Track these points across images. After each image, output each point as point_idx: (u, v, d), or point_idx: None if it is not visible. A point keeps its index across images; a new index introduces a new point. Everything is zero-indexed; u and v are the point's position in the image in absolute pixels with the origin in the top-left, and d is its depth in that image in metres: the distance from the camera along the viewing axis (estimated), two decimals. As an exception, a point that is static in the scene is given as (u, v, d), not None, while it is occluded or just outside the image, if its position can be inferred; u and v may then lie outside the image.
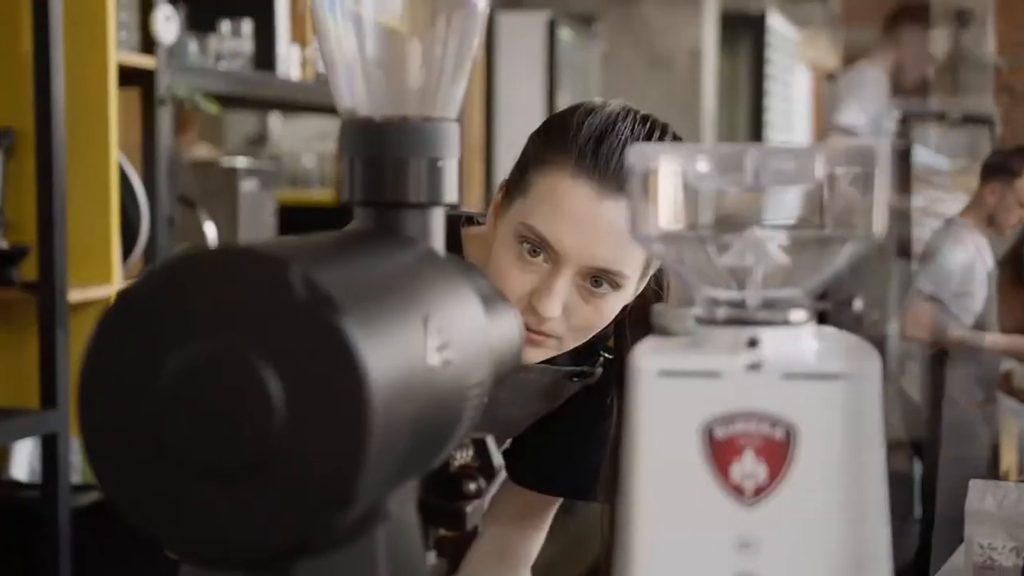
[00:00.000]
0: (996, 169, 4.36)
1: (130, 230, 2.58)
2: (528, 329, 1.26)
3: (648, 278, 1.35)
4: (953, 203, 4.34)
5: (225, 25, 3.02)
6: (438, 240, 0.82)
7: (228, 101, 3.17)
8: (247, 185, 3.04)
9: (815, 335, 0.72)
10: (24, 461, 2.59)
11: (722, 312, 0.71)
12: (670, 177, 0.71)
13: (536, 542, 1.55)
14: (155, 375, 0.62)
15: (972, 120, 9.10)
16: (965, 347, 4.26)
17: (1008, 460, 4.40)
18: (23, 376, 2.42)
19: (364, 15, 0.82)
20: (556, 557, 1.71)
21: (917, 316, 4.26)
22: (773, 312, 0.71)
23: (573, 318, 1.28)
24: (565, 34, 4.91)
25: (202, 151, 3.87)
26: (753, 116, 7.47)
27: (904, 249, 4.48)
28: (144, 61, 2.66)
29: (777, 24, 7.53)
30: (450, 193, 0.82)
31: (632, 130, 1.28)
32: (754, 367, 0.68)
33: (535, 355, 1.30)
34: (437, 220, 0.82)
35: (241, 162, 3.17)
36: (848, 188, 0.70)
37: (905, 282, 4.35)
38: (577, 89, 5.08)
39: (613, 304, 1.29)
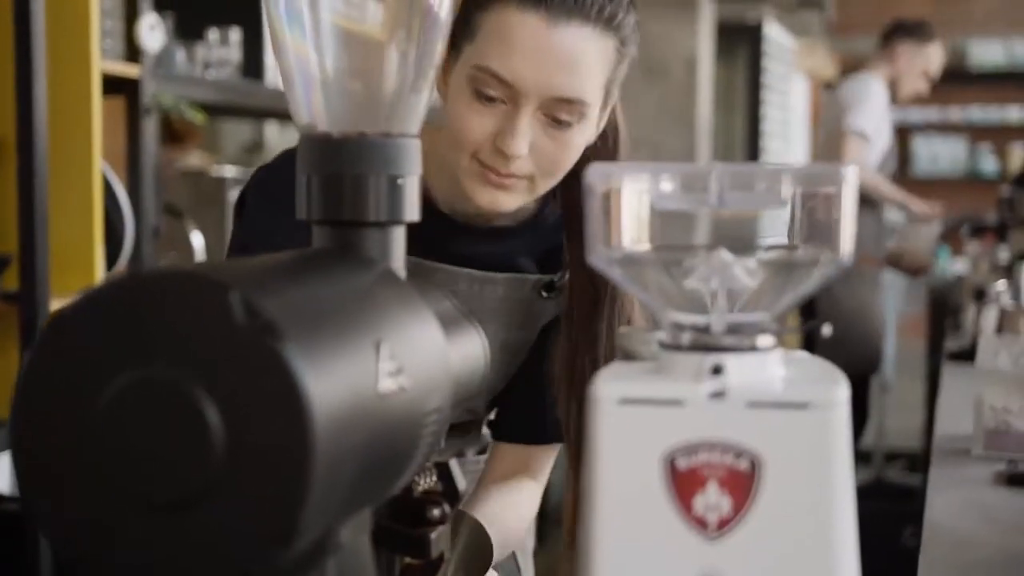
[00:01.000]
0: (901, 34, 4.52)
1: (114, 240, 2.56)
2: (496, 173, 1.25)
3: (608, 111, 1.32)
4: None
5: (213, 33, 3.00)
6: (398, 259, 0.80)
7: (216, 109, 3.15)
8: (235, 194, 3.01)
9: (783, 360, 0.70)
10: (5, 473, 2.56)
11: (686, 337, 0.69)
12: (632, 197, 0.69)
13: (535, 500, 1.50)
14: (92, 401, 0.59)
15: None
16: (869, 195, 4.48)
17: None
18: (4, 387, 2.39)
19: (322, 28, 0.80)
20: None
21: (853, 153, 4.39)
22: (739, 337, 0.68)
23: (540, 156, 1.25)
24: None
25: (196, 159, 3.85)
26: (750, 125, 7.46)
27: None
28: (129, 70, 2.63)
29: (774, 33, 7.52)
30: (411, 211, 0.80)
31: None
32: (718, 395, 0.66)
33: (509, 200, 1.27)
34: (398, 239, 0.80)
35: (231, 171, 3.14)
36: (815, 211, 0.68)
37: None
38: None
39: (578, 137, 1.26)
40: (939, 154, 10.14)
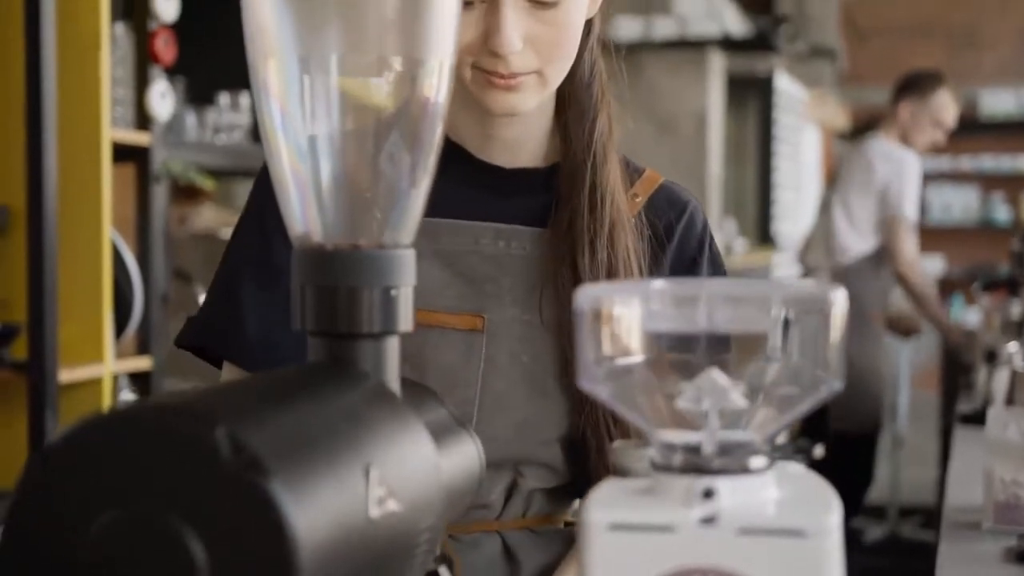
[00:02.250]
0: (907, 89, 4.55)
1: (124, 308, 2.56)
2: (500, 76, 1.17)
3: None
4: None
5: (224, 98, 3.02)
6: (392, 370, 0.80)
7: (226, 172, 3.16)
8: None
9: (775, 480, 0.69)
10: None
11: (677, 458, 0.69)
12: (621, 318, 0.69)
13: None
14: (77, 540, 0.59)
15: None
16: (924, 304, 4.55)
17: None
18: (12, 458, 2.39)
19: (317, 137, 0.80)
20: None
21: (910, 247, 4.41)
22: (731, 459, 0.68)
23: (538, 44, 1.17)
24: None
25: (209, 214, 3.86)
26: (761, 177, 7.46)
27: None
28: (139, 138, 2.65)
29: (784, 84, 7.53)
30: (405, 321, 0.80)
31: None
32: (709, 521, 0.66)
33: (523, 100, 1.20)
34: (392, 350, 0.80)
35: (240, 234, 3.14)
36: (806, 332, 0.67)
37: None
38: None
39: (573, 13, 1.18)
40: (951, 203, 10.13)
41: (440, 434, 0.80)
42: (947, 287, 10.04)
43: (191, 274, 2.95)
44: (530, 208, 1.28)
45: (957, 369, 4.79)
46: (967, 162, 10.05)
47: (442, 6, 0.79)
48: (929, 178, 10.11)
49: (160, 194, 2.69)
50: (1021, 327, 3.75)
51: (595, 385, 0.70)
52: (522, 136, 1.28)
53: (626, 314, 0.69)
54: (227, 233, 3.07)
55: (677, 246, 1.30)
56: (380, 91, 0.79)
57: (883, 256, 4.54)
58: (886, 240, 4.48)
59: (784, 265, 7.63)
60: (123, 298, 2.56)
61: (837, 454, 4.60)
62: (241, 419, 0.61)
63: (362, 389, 0.75)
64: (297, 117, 0.79)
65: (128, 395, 2.74)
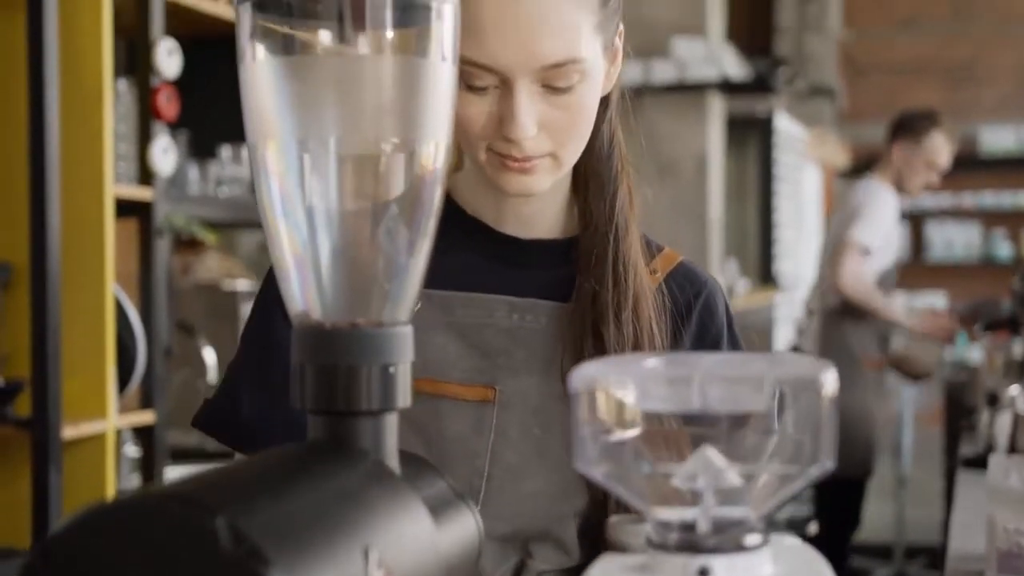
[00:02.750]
0: (900, 130, 4.55)
1: (127, 362, 2.58)
2: (514, 159, 1.16)
3: (619, 55, 1.25)
4: None
5: (226, 151, 3.04)
6: (391, 447, 0.80)
7: (228, 224, 3.18)
8: (248, 309, 3.03)
9: (771, 556, 0.70)
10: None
11: (673, 536, 0.69)
12: (615, 398, 0.70)
13: None
14: (80, 628, 0.60)
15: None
16: (875, 313, 4.50)
17: None
18: (15, 515, 2.39)
19: (316, 217, 0.81)
20: None
21: (852, 267, 4.38)
22: (726, 537, 0.69)
23: (552, 129, 1.16)
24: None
25: (213, 263, 3.88)
26: (762, 216, 7.49)
27: None
28: (142, 193, 2.67)
29: (784, 124, 7.57)
30: (403, 398, 0.81)
31: None
32: (704, 600, 0.66)
33: (537, 182, 1.19)
34: (390, 426, 0.81)
35: (244, 285, 3.17)
36: (799, 411, 0.68)
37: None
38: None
39: (587, 96, 1.16)
40: (953, 240, 10.15)
41: (439, 509, 0.80)
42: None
43: (194, 326, 2.96)
44: (547, 281, 1.27)
45: (960, 409, 4.78)
46: (968, 199, 10.08)
47: (437, 89, 0.80)
48: (931, 215, 10.15)
49: (163, 248, 2.70)
50: (1023, 368, 3.75)
51: (590, 465, 0.71)
52: (538, 210, 1.28)
53: (621, 394, 0.70)
54: (230, 284, 3.09)
55: (697, 328, 1.28)
56: (378, 171, 0.81)
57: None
58: (832, 261, 4.52)
59: (786, 304, 7.64)
60: (126, 352, 2.57)
61: (826, 497, 4.61)
62: (241, 507, 0.61)
63: (361, 468, 0.75)
64: (296, 197, 0.81)
65: (131, 449, 2.75)
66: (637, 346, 1.21)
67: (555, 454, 1.21)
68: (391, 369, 0.80)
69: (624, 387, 0.70)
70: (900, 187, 4.64)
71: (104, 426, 2.49)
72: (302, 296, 0.82)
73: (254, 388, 1.25)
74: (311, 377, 0.80)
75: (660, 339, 1.23)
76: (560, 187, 1.28)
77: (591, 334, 1.22)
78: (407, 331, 0.81)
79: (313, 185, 0.80)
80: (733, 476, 0.69)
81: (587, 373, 0.70)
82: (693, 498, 0.70)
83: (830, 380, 0.68)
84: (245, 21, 0.79)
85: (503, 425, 1.22)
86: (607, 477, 0.71)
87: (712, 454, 0.70)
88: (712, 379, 0.69)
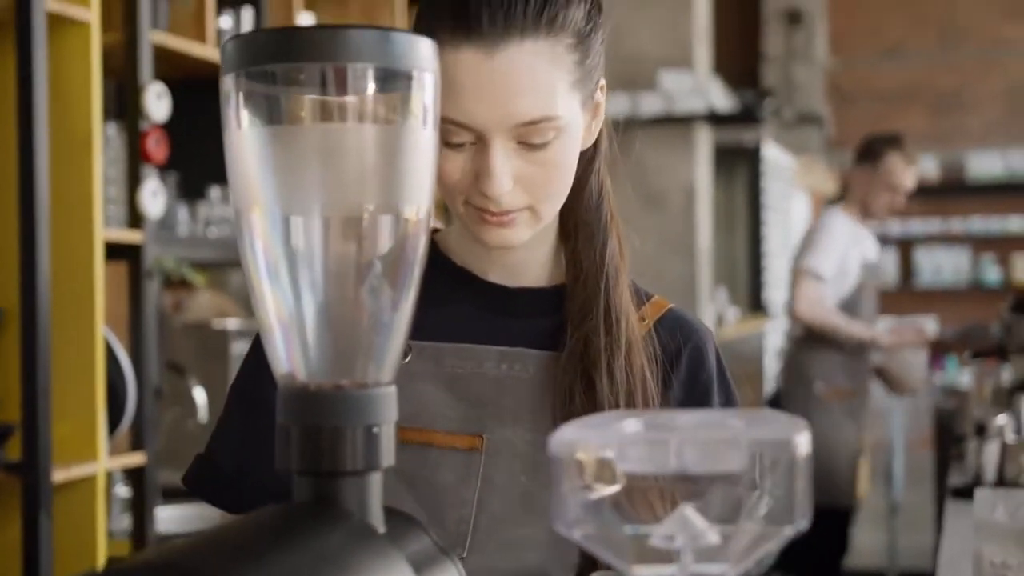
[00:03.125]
0: (861, 155, 4.58)
1: (117, 404, 2.58)
2: (491, 213, 1.18)
3: (600, 110, 1.25)
4: None
5: (215, 191, 3.06)
6: (375, 506, 0.82)
7: (218, 264, 3.20)
8: (239, 347, 3.05)
9: (750, 615, 0.71)
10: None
11: (653, 597, 0.71)
12: (594, 460, 0.71)
13: None
14: None
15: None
16: (837, 333, 4.45)
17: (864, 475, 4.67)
18: (6, 559, 2.39)
19: (302, 281, 0.83)
20: None
21: (807, 294, 4.39)
22: (704, 596, 0.70)
23: (529, 183, 1.17)
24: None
25: (204, 300, 3.89)
26: (751, 244, 7.52)
27: None
28: (131, 236, 2.68)
29: (772, 153, 7.61)
30: (387, 457, 0.82)
31: None
32: (683, 660, 0.68)
33: (515, 234, 1.20)
34: (375, 485, 0.82)
35: (234, 324, 3.18)
36: (773, 478, 0.70)
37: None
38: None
39: (562, 154, 1.18)
40: (942, 265, 10.19)
41: (423, 565, 0.82)
42: (939, 349, 10.08)
43: (184, 366, 2.97)
44: (535, 329, 1.28)
45: (950, 435, 4.79)
46: (957, 224, 10.13)
47: (419, 155, 0.82)
48: (919, 240, 10.20)
49: (152, 291, 2.72)
50: (1011, 396, 3.76)
51: (570, 526, 0.72)
52: (524, 259, 1.29)
53: (599, 457, 0.71)
54: (220, 322, 3.10)
55: (687, 376, 1.30)
56: (361, 235, 0.82)
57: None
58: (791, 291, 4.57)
59: (775, 332, 7.66)
60: (116, 395, 2.58)
61: (813, 526, 4.57)
62: (226, 573, 0.63)
63: (345, 529, 0.77)
64: (280, 261, 0.82)
65: (122, 490, 2.75)
66: (630, 395, 1.22)
67: (543, 503, 1.22)
68: (375, 429, 0.81)
69: (603, 449, 0.71)
70: (866, 212, 4.63)
71: (95, 468, 2.50)
72: (287, 358, 0.83)
73: (239, 448, 1.26)
74: (296, 438, 0.81)
75: (652, 388, 1.24)
76: (546, 236, 1.29)
77: (582, 383, 1.23)
78: (391, 391, 0.83)
79: (297, 249, 0.82)
80: (712, 535, 0.71)
81: (566, 436, 0.71)
82: (672, 557, 0.71)
83: (803, 442, 0.69)
84: (230, 90, 0.81)
85: (489, 473, 1.23)
86: (587, 538, 0.72)
87: (691, 513, 0.71)
88: (689, 441, 0.70)
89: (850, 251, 4.54)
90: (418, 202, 0.83)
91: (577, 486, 0.72)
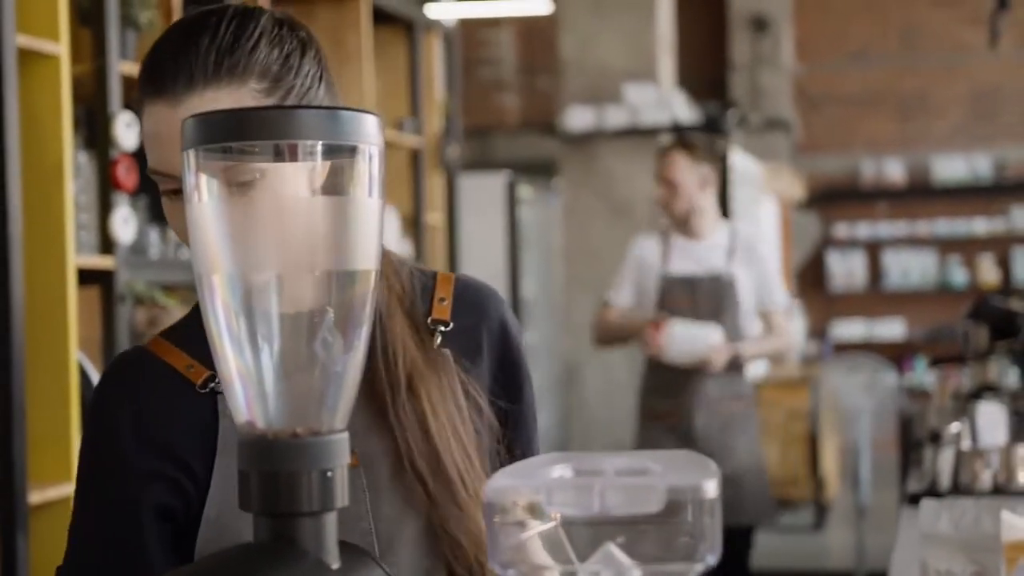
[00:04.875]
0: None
1: (91, 425, 2.64)
2: None
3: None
4: None
5: (185, 214, 3.12)
6: (330, 543, 0.89)
7: (190, 286, 3.26)
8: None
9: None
10: None
11: (579, 627, 0.78)
12: (524, 506, 0.79)
13: None
14: None
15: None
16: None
17: None
18: (-15, 580, 2.45)
19: (259, 338, 0.90)
20: None
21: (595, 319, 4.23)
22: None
23: None
24: (525, 191, 5.03)
25: (178, 315, 3.93)
26: (720, 251, 7.59)
27: None
28: (103, 262, 2.74)
29: (739, 161, 7.70)
30: (341, 498, 0.89)
31: (189, 22, 1.24)
32: None
33: None
34: (330, 524, 0.89)
35: (204, 342, 3.22)
36: (688, 518, 0.77)
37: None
38: (539, 241, 5.18)
39: (276, 195, 1.17)
40: (909, 267, 10.32)
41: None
42: (908, 350, 10.22)
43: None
44: None
45: (910, 441, 4.86)
46: (923, 227, 10.26)
47: (365, 221, 0.89)
48: (887, 243, 10.32)
49: (124, 315, 2.78)
50: (968, 402, 3.84)
51: (503, 566, 0.79)
52: None
53: (529, 501, 0.79)
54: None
55: (499, 345, 1.35)
56: (314, 295, 0.90)
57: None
58: None
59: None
60: (91, 416, 2.64)
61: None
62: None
63: (302, 567, 0.84)
64: (239, 320, 0.89)
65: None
66: (422, 424, 1.27)
67: (421, 498, 1.28)
68: (329, 473, 0.88)
69: (532, 495, 0.79)
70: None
71: (70, 490, 2.55)
72: (246, 408, 0.90)
73: (99, 559, 1.27)
74: (255, 482, 0.88)
75: (453, 405, 1.28)
76: None
77: (377, 422, 1.28)
78: (343, 437, 0.90)
79: (254, 308, 0.89)
80: (634, 571, 0.78)
81: (499, 483, 0.79)
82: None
83: (712, 487, 0.77)
84: (190, 165, 0.88)
85: (371, 483, 1.28)
86: (519, 574, 0.80)
87: (614, 551, 0.79)
88: (611, 487, 0.78)
89: (639, 271, 4.27)
90: (367, 261, 0.91)
91: (507, 529, 0.79)
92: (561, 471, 0.81)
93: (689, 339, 4.07)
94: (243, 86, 1.21)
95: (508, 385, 1.37)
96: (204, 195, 0.88)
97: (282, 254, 0.88)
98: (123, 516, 1.27)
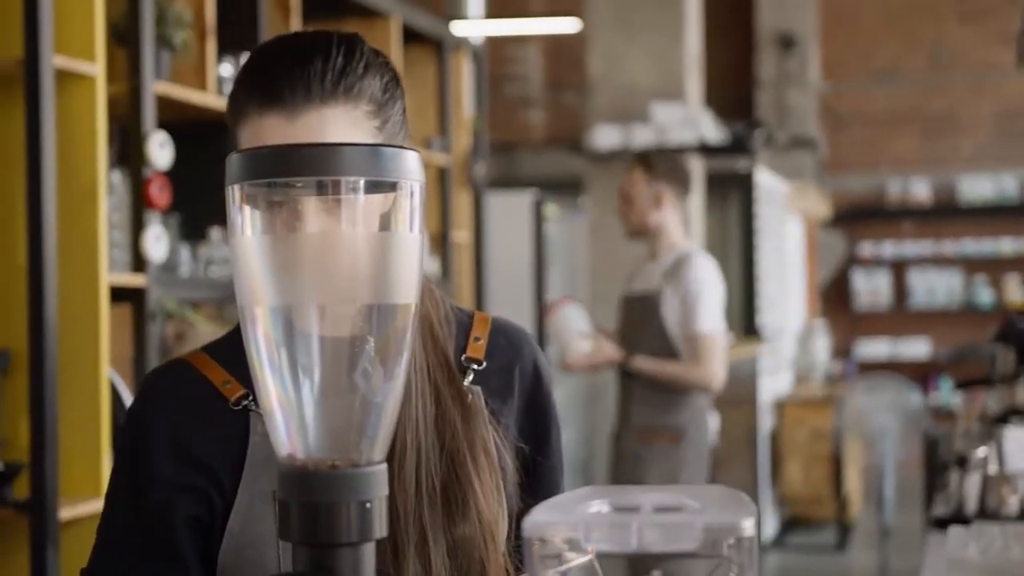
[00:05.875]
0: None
1: (121, 442, 2.66)
2: None
3: None
4: None
5: (216, 232, 3.14)
6: (368, 573, 0.90)
7: (219, 301, 3.29)
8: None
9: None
10: None
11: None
12: (563, 541, 0.80)
13: None
14: None
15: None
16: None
17: None
18: (14, 596, 2.47)
19: (300, 373, 0.91)
20: None
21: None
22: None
23: None
24: (551, 210, 5.04)
25: (206, 330, 3.95)
26: (745, 270, 7.59)
27: None
28: (135, 280, 2.77)
29: (765, 179, 7.70)
30: (380, 529, 0.91)
31: (297, 40, 1.27)
32: None
33: None
34: (368, 555, 0.90)
35: (232, 359, 3.24)
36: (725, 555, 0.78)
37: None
38: (565, 260, 5.19)
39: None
40: (935, 287, 10.28)
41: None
42: (933, 369, 10.18)
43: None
44: None
45: (939, 459, 4.83)
46: (949, 246, 10.22)
47: (407, 256, 0.91)
48: (912, 262, 10.29)
49: (155, 333, 2.80)
50: (995, 426, 3.82)
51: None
52: None
53: (568, 537, 0.80)
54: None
55: (531, 387, 1.37)
56: (355, 328, 0.91)
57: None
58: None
59: (770, 355, 7.74)
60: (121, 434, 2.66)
61: None
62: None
63: (341, 598, 0.85)
64: (281, 351, 0.91)
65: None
66: (444, 453, 1.27)
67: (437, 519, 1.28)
68: (368, 504, 0.89)
69: (570, 531, 0.80)
70: None
71: (100, 506, 2.57)
72: (287, 440, 0.92)
73: (127, 557, 1.28)
74: (295, 513, 0.90)
75: (479, 444, 1.29)
76: None
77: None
78: (382, 469, 0.91)
79: (296, 340, 0.91)
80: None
81: (538, 519, 0.80)
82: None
83: (749, 525, 0.78)
84: (235, 200, 0.89)
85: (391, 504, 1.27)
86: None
87: (652, 585, 0.80)
88: (649, 524, 0.79)
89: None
90: (407, 293, 0.92)
91: (547, 563, 0.80)
92: (598, 507, 0.83)
93: (563, 323, 4.06)
94: (356, 108, 1.24)
95: (536, 427, 1.38)
96: (247, 230, 0.90)
97: (323, 287, 0.90)
98: (155, 524, 1.28)
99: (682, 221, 4.16)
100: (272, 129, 1.22)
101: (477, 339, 1.36)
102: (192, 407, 1.32)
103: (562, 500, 0.85)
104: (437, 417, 1.30)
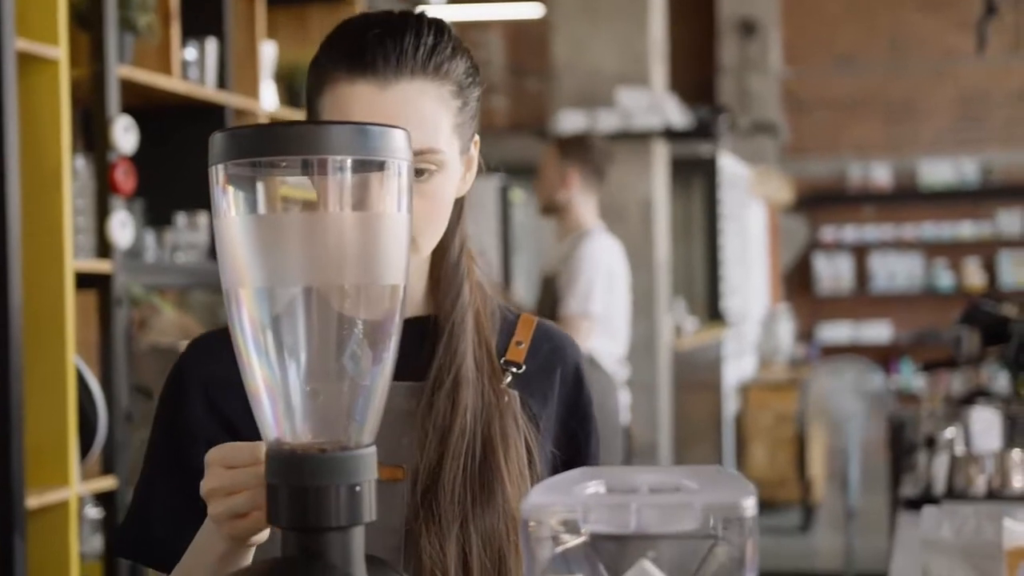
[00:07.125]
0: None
1: (88, 429, 2.63)
2: None
3: (473, 164, 1.32)
4: None
5: (181, 218, 3.11)
6: (358, 557, 0.89)
7: (185, 288, 3.26)
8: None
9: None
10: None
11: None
12: (560, 523, 0.79)
13: None
14: None
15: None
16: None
17: None
18: (-17, 584, 2.44)
19: (286, 355, 0.90)
20: None
21: None
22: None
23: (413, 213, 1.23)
24: (517, 195, 5.03)
25: (170, 317, 3.91)
26: (709, 254, 7.62)
27: None
28: (100, 266, 2.73)
29: (728, 164, 7.72)
30: (369, 512, 0.89)
31: (388, 15, 1.27)
32: None
33: None
34: (357, 539, 0.89)
35: (199, 345, 3.21)
36: (724, 535, 0.77)
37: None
38: (531, 245, 5.17)
39: (444, 188, 1.25)
40: (896, 271, 10.35)
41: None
42: (894, 353, 10.25)
43: (151, 388, 3.02)
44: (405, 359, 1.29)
45: (903, 442, 4.85)
46: (909, 230, 10.29)
47: (393, 236, 0.89)
48: (873, 246, 10.35)
49: (121, 317, 2.77)
50: (960, 407, 3.84)
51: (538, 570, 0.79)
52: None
53: (565, 518, 0.79)
54: (184, 344, 3.13)
55: (571, 392, 1.37)
56: (341, 310, 0.89)
57: None
58: None
59: (734, 340, 7.77)
60: (88, 421, 2.63)
61: None
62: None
63: (331, 583, 0.84)
64: (267, 334, 0.89)
65: (93, 513, 2.80)
66: (447, 427, 1.26)
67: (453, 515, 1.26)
68: (357, 488, 0.88)
69: (568, 512, 0.79)
70: None
71: (67, 494, 2.55)
72: (275, 424, 0.90)
73: (170, 510, 1.27)
74: (284, 497, 0.88)
75: (513, 443, 1.28)
76: (420, 272, 1.32)
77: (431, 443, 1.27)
78: (371, 452, 0.90)
79: (282, 322, 0.89)
80: (666, 587, 0.78)
81: (535, 502, 0.79)
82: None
83: (750, 504, 0.77)
84: (218, 180, 0.88)
85: (413, 499, 1.26)
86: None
87: (648, 567, 0.79)
88: (647, 504, 0.78)
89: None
90: (394, 275, 0.91)
91: (544, 544, 0.79)
92: (595, 487, 0.81)
93: None
94: (443, 86, 1.25)
95: (577, 432, 1.37)
96: (231, 210, 0.88)
97: (309, 268, 0.88)
98: (193, 477, 1.26)
99: (593, 205, 4.18)
100: (361, 96, 1.22)
101: (519, 343, 1.36)
102: (228, 370, 1.29)
103: (557, 481, 0.84)
104: (482, 406, 1.29)
